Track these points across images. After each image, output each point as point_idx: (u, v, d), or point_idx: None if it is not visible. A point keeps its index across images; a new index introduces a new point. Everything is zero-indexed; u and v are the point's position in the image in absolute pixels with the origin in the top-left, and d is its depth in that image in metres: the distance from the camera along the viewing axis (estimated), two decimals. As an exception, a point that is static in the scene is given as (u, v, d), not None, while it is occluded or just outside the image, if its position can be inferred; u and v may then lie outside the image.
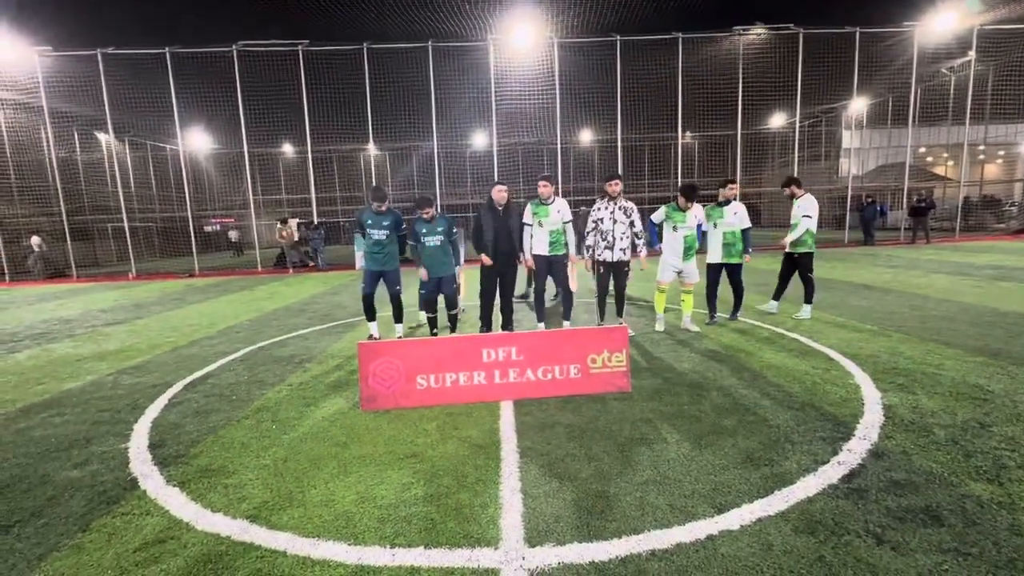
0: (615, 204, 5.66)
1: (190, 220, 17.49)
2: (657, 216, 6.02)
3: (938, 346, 4.92)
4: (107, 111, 16.00)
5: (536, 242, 5.63)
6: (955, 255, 13.25)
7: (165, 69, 15.70)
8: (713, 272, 6.27)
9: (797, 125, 17.88)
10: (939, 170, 28.65)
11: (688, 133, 24.28)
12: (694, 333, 5.87)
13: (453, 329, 5.71)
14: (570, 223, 5.65)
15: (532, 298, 6.36)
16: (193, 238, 17.45)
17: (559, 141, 16.76)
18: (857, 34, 16.65)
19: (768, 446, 3.02)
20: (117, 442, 3.45)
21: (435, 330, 5.69)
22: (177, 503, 2.65)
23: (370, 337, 5.89)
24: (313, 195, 17.15)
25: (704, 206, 6.11)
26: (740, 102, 16.88)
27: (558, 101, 16.45)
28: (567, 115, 17.44)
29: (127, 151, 23.42)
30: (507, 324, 5.70)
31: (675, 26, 16.31)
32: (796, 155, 18.34)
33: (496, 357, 3.91)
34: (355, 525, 2.39)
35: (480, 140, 21.83)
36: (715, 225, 6.11)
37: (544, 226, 5.56)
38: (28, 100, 16.63)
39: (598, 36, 16.32)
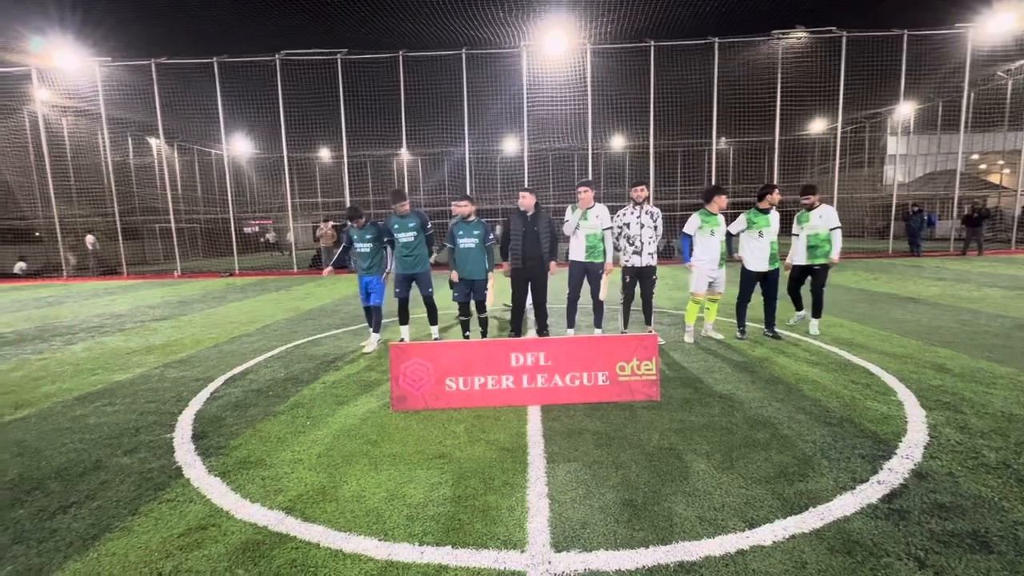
0: (641, 209, 5.65)
1: (232, 221, 18.23)
2: (690, 226, 5.78)
3: (990, 364, 4.67)
4: (159, 117, 16.89)
5: (573, 247, 5.66)
6: (1011, 268, 12.52)
7: (212, 78, 16.47)
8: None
9: (839, 131, 17.29)
10: (993, 178, 27.16)
11: (723, 139, 23.81)
12: (717, 341, 5.76)
13: (484, 333, 5.76)
14: (609, 230, 5.64)
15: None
16: (234, 239, 18.17)
17: (591, 147, 16.71)
18: (905, 37, 16.01)
19: (803, 462, 2.94)
20: (163, 432, 3.64)
21: (467, 333, 5.76)
22: (218, 492, 2.77)
23: (401, 340, 6.00)
24: (347, 198, 17.60)
25: (747, 213, 5.92)
26: (778, 107, 16.46)
27: (590, 107, 16.42)
28: (599, 121, 17.40)
29: (176, 155, 24.64)
30: (542, 330, 5.70)
31: (711, 30, 16.06)
32: (837, 162, 17.73)
33: (524, 362, 3.94)
34: (385, 522, 2.45)
35: (511, 146, 21.99)
36: (760, 234, 5.76)
37: (581, 230, 5.58)
38: (88, 107, 17.71)
39: (632, 42, 16.23)
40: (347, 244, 5.84)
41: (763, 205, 5.91)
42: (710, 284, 5.82)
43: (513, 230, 5.49)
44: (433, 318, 5.94)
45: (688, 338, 5.90)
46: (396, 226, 5.66)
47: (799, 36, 16.33)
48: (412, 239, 5.66)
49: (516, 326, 5.68)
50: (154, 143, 22.43)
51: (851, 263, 14.89)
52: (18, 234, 19.32)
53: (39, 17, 13.13)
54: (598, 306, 5.79)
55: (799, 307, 6.25)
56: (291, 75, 16.73)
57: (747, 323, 6.14)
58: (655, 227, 5.67)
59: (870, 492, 2.59)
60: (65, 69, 16.55)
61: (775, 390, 4.16)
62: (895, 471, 2.79)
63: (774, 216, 5.92)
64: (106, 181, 17.98)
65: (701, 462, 2.97)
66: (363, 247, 5.71)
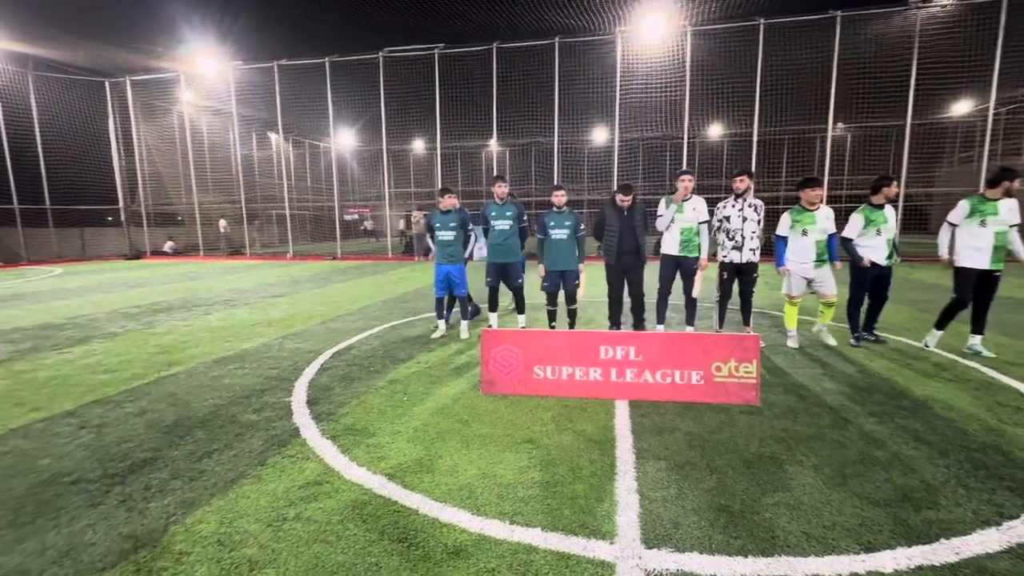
0: (744, 201, 5.28)
1: (336, 209, 19.80)
2: (783, 227, 5.28)
3: None
4: (279, 114, 18.72)
5: (667, 241, 5.46)
6: None
7: (324, 76, 17.89)
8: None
9: (991, 112, 14.82)
10: None
11: (840, 124, 21.43)
12: (828, 347, 5.24)
13: (572, 324, 5.75)
14: (706, 223, 5.38)
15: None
16: (337, 226, 19.73)
17: (686, 135, 15.88)
18: (1089, -4, 13.27)
19: (932, 488, 2.61)
20: (283, 396, 4.08)
21: (553, 323, 5.78)
22: (330, 453, 3.07)
23: (490, 327, 6.16)
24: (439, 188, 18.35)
25: (861, 210, 5.34)
26: (912, 86, 14.46)
27: (687, 93, 15.58)
28: (696, 108, 16.44)
29: (291, 149, 27.19)
30: (638, 324, 5.57)
31: (832, 3, 14.44)
32: (987, 148, 15.23)
33: (614, 355, 3.89)
34: (477, 497, 2.57)
35: (600, 135, 21.52)
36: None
37: (676, 223, 5.37)
38: (221, 107, 20.09)
39: (738, 21, 15.08)
40: (428, 230, 5.96)
41: (877, 200, 5.28)
42: (811, 286, 5.30)
43: (608, 223, 5.39)
44: (521, 308, 6.03)
45: (792, 343, 5.45)
46: (493, 213, 5.73)
47: (944, 4, 14.18)
48: (508, 228, 5.70)
49: (613, 319, 5.60)
50: (273, 138, 24.92)
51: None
52: (166, 218, 22.50)
53: (185, 26, 15.05)
54: (690, 303, 5.54)
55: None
56: (392, 71, 17.69)
57: (877, 331, 5.56)
58: (758, 220, 5.28)
59: (1022, 530, 2.25)
60: (205, 73, 18.85)
61: (899, 405, 3.73)
62: (1055, 510, 2.40)
63: (889, 212, 5.27)
64: (234, 172, 20.32)
65: (807, 475, 2.75)
66: (446, 234, 5.77)
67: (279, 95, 18.39)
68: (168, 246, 20.97)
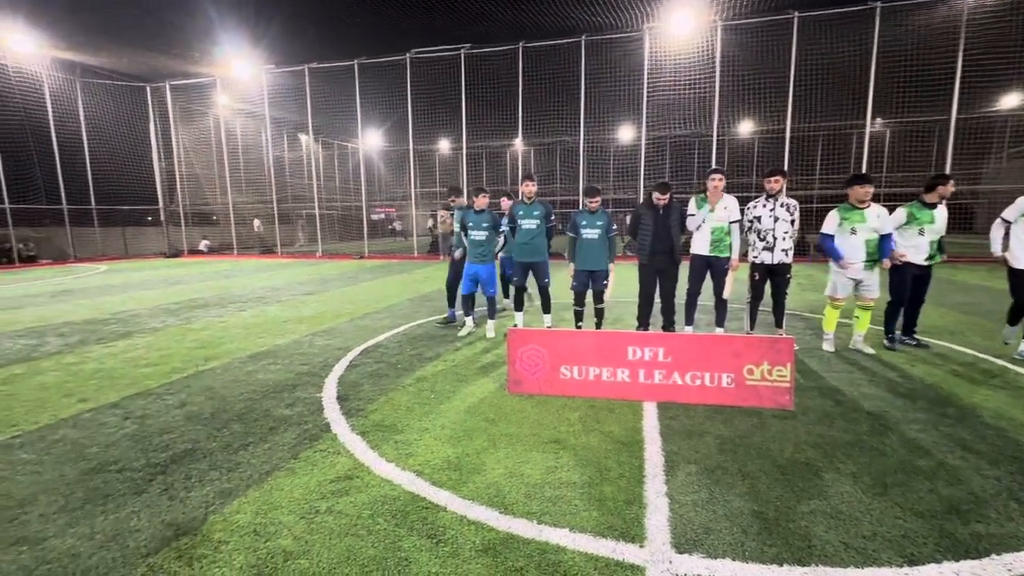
0: (776, 201, 5.14)
1: (363, 209, 20.14)
2: (829, 224, 5.06)
3: None
4: (309, 116, 19.16)
5: (697, 240, 5.37)
6: None
7: (353, 78, 18.21)
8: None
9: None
10: None
11: (878, 120, 20.62)
12: (869, 355, 5.04)
13: (599, 324, 5.70)
14: (737, 223, 5.26)
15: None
16: (365, 225, 20.07)
17: (715, 133, 15.55)
18: None
19: (981, 500, 2.49)
20: (314, 391, 4.18)
21: (580, 323, 5.75)
22: (360, 449, 3.12)
23: (515, 326, 6.16)
24: (465, 188, 18.45)
25: (908, 206, 5.12)
26: (958, 79, 13.80)
27: (717, 89, 15.25)
28: (726, 104, 16.08)
29: (320, 150, 27.79)
30: (668, 326, 5.49)
31: (872, -6, 13.90)
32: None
33: (642, 356, 3.84)
34: (504, 496, 2.58)
35: (626, 134, 21.28)
36: None
37: (707, 223, 5.27)
38: (254, 109, 20.68)
39: (771, 15, 14.68)
40: (461, 229, 6.03)
41: (930, 198, 5.07)
42: (856, 286, 5.11)
43: (643, 222, 5.32)
44: (547, 307, 6.02)
45: (827, 346, 5.27)
46: (521, 212, 5.71)
47: (994, -9, 13.47)
48: (535, 227, 5.68)
49: (642, 320, 5.54)
50: (303, 139, 25.52)
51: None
52: (202, 217, 23.30)
53: (222, 31, 15.55)
54: (720, 304, 5.42)
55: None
56: (418, 72, 17.88)
57: (919, 335, 5.34)
58: (791, 220, 5.13)
59: (1081, 548, 2.13)
60: (239, 77, 19.43)
61: (942, 414, 3.57)
62: (1119, 528, 2.25)
63: (941, 212, 5.05)
64: (266, 173, 20.89)
65: (845, 483, 2.66)
66: (479, 234, 5.86)
67: (309, 97, 18.82)
68: (204, 244, 21.71)
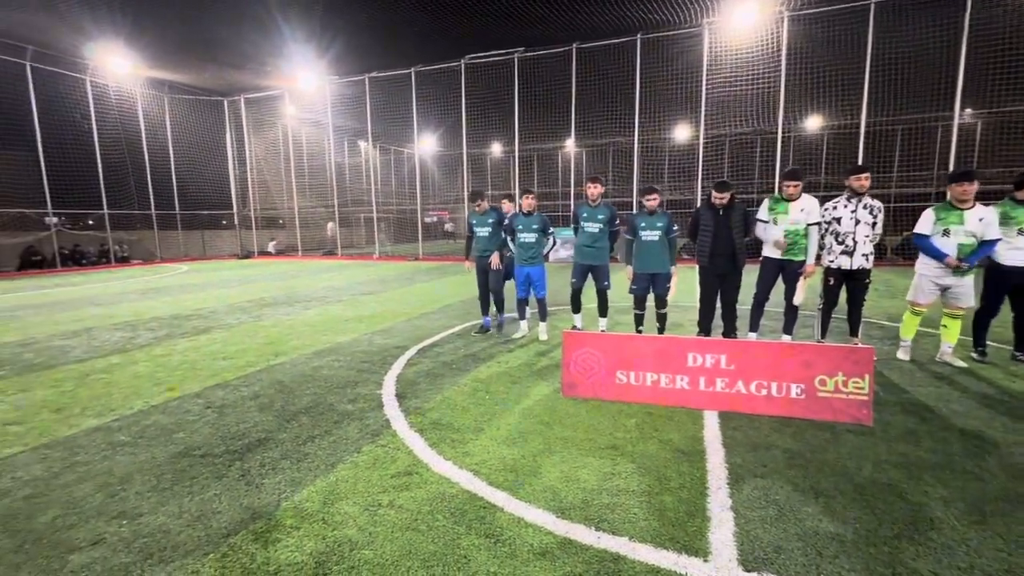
0: (859, 202, 4.79)
1: (419, 211, 20.72)
2: (923, 225, 4.65)
3: None
4: (368, 123, 19.96)
5: (769, 243, 5.13)
6: None
7: (409, 86, 18.81)
8: None
9: None
10: None
11: (967, 111, 18.81)
12: (960, 368, 4.59)
13: (662, 330, 5.54)
14: (816, 225, 4.97)
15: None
16: (419, 227, 20.65)
17: (780, 129, 14.76)
18: None
19: (1103, 536, 2.21)
20: (374, 388, 4.34)
21: (640, 328, 5.62)
22: (419, 446, 3.21)
23: (573, 328, 6.09)
24: (517, 191, 18.56)
25: (1000, 204, 4.65)
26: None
27: (783, 84, 14.47)
28: (792, 99, 15.23)
29: (377, 155, 28.89)
30: (729, 332, 5.27)
31: (963, -27, 12.71)
32: None
33: (703, 363, 3.70)
34: (561, 500, 2.56)
35: (682, 133, 20.63)
36: None
37: (780, 225, 5.01)
38: (318, 118, 21.80)
39: (844, 2, 13.76)
40: (508, 232, 6.05)
41: (1023, 195, 4.56)
42: (944, 292, 4.68)
43: (703, 223, 5.14)
44: (603, 310, 5.92)
45: (902, 354, 4.87)
46: (585, 214, 5.61)
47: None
48: (598, 231, 5.57)
49: (703, 326, 5.36)
50: (363, 145, 26.62)
51: None
52: (269, 221, 24.84)
53: (292, 44, 16.53)
54: (791, 311, 5.13)
55: (983, 343, 4.74)
56: (472, 77, 18.19)
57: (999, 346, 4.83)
58: (873, 223, 4.78)
59: None
60: (305, 88, 20.55)
61: (1051, 435, 3.20)
62: None
63: None
64: (329, 179, 21.96)
65: (935, 508, 2.44)
66: (528, 237, 5.85)
67: (369, 105, 19.61)
68: (271, 246, 23.13)
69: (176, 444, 3.31)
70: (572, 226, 5.81)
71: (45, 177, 16.66)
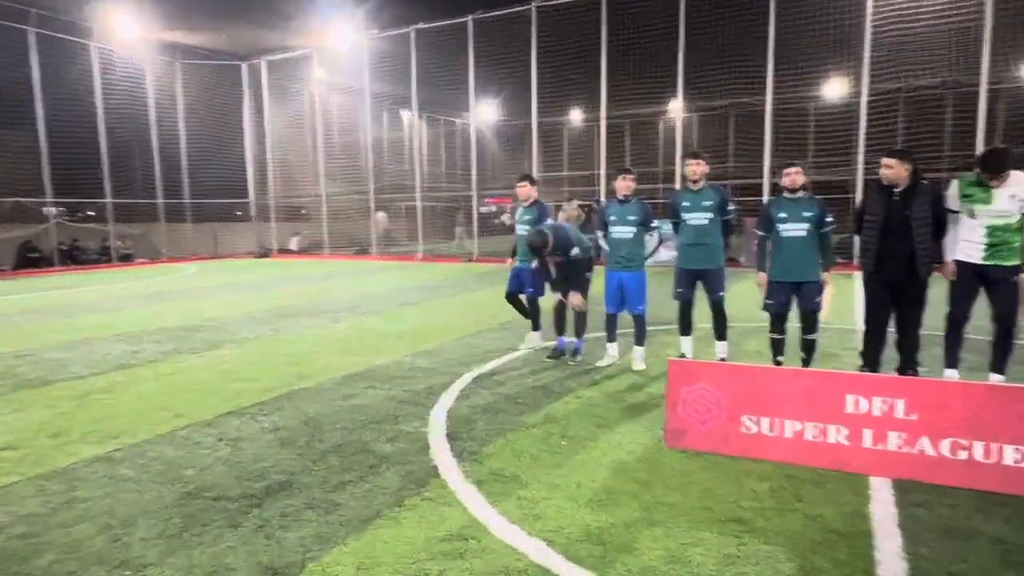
0: None
1: (474, 199, 21.22)
2: None
3: None
4: (413, 87, 20.78)
5: (962, 242, 4.75)
6: None
7: (465, 39, 19.36)
8: None
9: None
10: None
11: None
12: None
13: (808, 361, 5.32)
14: None
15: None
16: (475, 221, 21.15)
17: (985, 81, 13.61)
18: None
19: None
20: (419, 425, 4.48)
21: (780, 357, 5.41)
22: (475, 502, 3.26)
23: (681, 356, 5.89)
24: (603, 170, 18.51)
25: None
26: None
27: (988, 16, 13.38)
28: (1002, 39, 14.04)
29: (424, 128, 29.99)
30: (907, 366, 4.95)
31: None
32: None
33: (869, 409, 3.49)
34: (666, 588, 2.50)
35: (834, 89, 19.64)
36: None
37: (979, 218, 4.63)
38: (352, 84, 23.01)
39: None
40: (601, 225, 6.04)
41: None
42: None
43: (869, 212, 4.87)
44: (722, 331, 5.73)
45: None
46: (686, 203, 5.55)
47: None
48: (706, 222, 5.47)
49: (869, 357, 5.05)
50: (405, 116, 27.73)
51: None
52: (291, 212, 26.48)
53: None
54: (1004, 335, 4.71)
55: None
56: (545, 25, 18.40)
57: None
58: None
59: None
60: (338, 47, 21.78)
61: None
62: None
63: None
64: (364, 159, 23.06)
65: None
66: (623, 231, 5.78)
67: (414, 65, 20.40)
68: (294, 242, 24.65)
69: (185, 483, 3.59)
70: (670, 221, 5.74)
71: (46, 160, 18.82)
